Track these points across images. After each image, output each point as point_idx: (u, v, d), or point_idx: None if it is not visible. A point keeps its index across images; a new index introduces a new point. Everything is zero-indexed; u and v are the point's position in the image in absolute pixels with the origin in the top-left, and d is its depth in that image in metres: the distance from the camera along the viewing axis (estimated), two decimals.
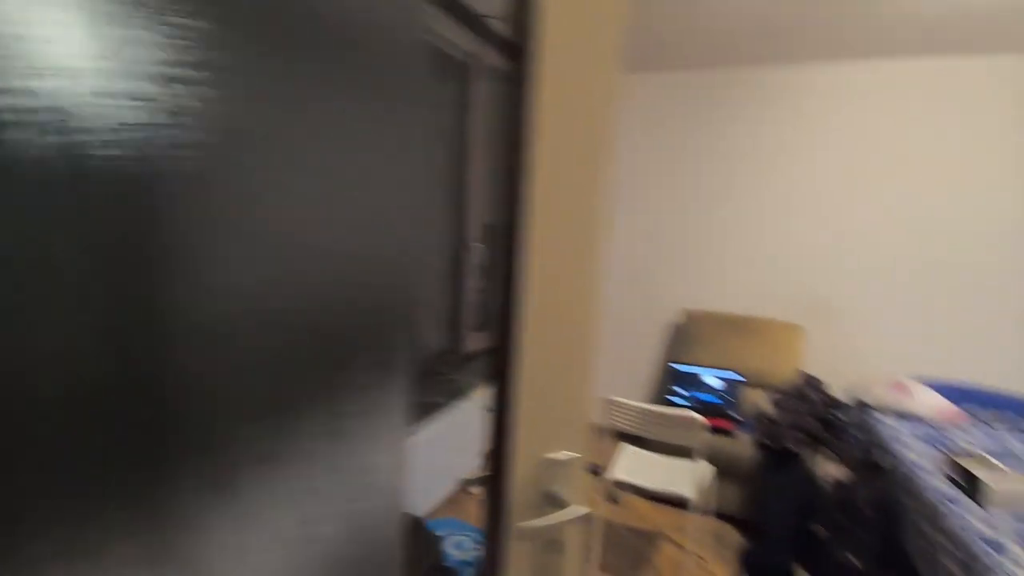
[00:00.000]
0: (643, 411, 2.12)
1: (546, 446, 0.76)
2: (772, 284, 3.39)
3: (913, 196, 3.09)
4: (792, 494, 2.44)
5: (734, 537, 2.57)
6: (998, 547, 1.56)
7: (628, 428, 2.20)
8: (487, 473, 0.74)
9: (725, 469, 2.61)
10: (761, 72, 3.31)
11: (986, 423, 2.62)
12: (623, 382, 3.78)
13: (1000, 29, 2.58)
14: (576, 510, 0.73)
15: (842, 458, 2.65)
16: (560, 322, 0.74)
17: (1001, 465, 1.94)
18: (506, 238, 0.68)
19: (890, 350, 3.17)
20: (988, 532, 1.63)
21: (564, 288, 0.73)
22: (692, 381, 3.11)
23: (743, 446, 2.63)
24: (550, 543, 0.78)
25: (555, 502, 0.75)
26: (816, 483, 2.50)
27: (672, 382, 3.16)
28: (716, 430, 2.72)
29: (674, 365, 3.20)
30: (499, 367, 0.70)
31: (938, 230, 3.06)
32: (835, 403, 2.79)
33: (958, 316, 3.05)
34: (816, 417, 2.62)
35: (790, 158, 3.30)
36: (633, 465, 2.32)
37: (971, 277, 3.02)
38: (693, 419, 2.02)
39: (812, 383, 2.87)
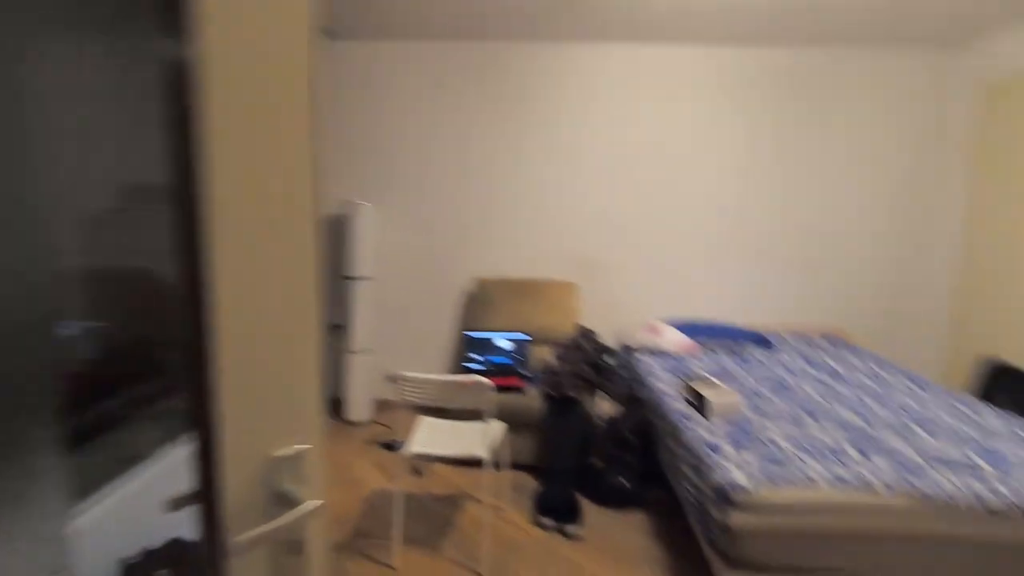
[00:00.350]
0: (431, 382, 2.15)
1: (272, 443, 0.69)
2: (550, 248, 3.69)
3: (657, 169, 3.60)
4: (573, 434, 2.72)
5: (530, 483, 2.80)
6: (716, 448, 1.93)
7: (422, 400, 2.21)
8: (196, 487, 0.64)
9: (518, 423, 2.81)
10: (540, 48, 3.50)
11: (712, 350, 3.23)
12: (427, 354, 3.81)
13: (717, 24, 3.09)
14: (307, 506, 0.68)
15: (612, 396, 3.04)
16: (266, 310, 0.66)
17: (720, 383, 2.40)
18: (186, 217, 0.58)
19: (647, 297, 3.70)
20: (709, 438, 2.02)
21: (264, 270, 0.65)
22: (485, 346, 3.25)
23: (532, 399, 2.85)
24: (289, 544, 0.72)
25: (287, 501, 0.69)
26: (592, 422, 2.83)
27: (468, 349, 3.27)
28: (509, 388, 2.90)
29: (468, 333, 3.31)
30: (192, 365, 0.60)
31: (674, 198, 3.63)
32: (605, 349, 3.18)
33: (692, 266, 3.68)
34: (590, 363, 2.95)
35: (564, 133, 3.59)
36: (430, 436, 2.35)
37: (700, 235, 3.65)
38: (478, 383, 2.10)
39: (586, 334, 3.22)
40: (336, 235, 3.60)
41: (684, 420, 2.21)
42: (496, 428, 2.35)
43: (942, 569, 1.70)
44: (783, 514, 1.66)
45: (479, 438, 2.24)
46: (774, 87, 3.48)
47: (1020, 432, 2.05)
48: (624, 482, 2.60)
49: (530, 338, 3.26)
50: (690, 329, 3.31)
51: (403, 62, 3.58)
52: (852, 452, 1.86)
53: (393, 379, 2.20)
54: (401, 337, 3.79)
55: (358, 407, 3.54)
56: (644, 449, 2.64)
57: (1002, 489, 1.64)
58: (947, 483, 1.68)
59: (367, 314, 3.56)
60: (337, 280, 3.59)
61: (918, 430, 2.07)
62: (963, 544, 1.67)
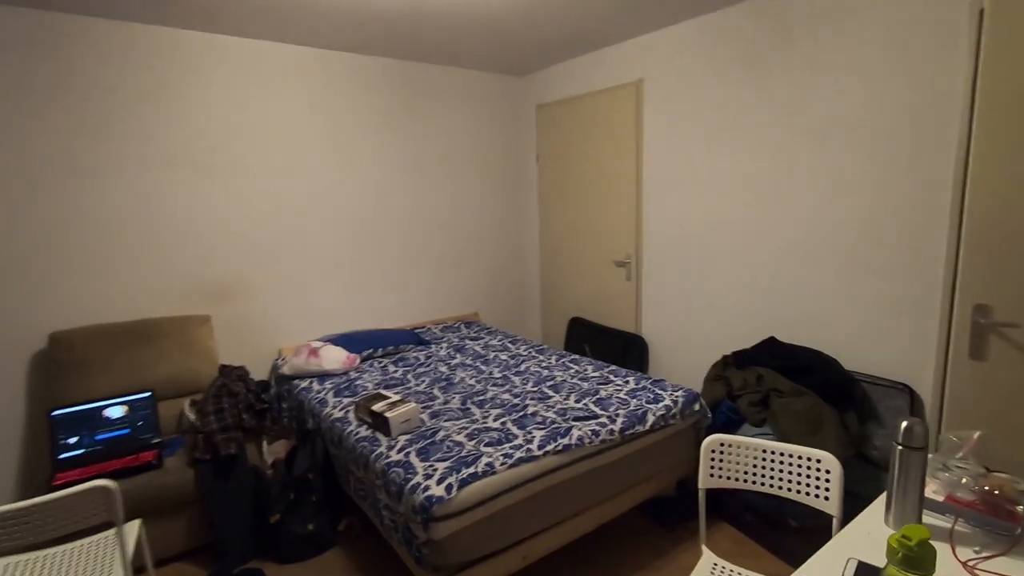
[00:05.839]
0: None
1: None
2: (164, 277, 2.97)
3: (281, 177, 3.29)
4: (242, 497, 2.31)
5: (194, 573, 2.25)
6: (407, 467, 1.92)
7: None
8: None
9: (158, 508, 2.21)
10: (114, 28, 2.65)
11: (375, 359, 3.23)
12: None
13: (336, 28, 2.95)
14: None
15: (280, 437, 2.71)
16: None
17: (393, 395, 2.40)
18: None
19: (289, 318, 3.39)
20: (397, 457, 1.99)
21: None
22: (87, 422, 2.40)
23: (175, 472, 2.27)
24: None
25: None
26: (261, 475, 2.46)
27: (60, 434, 2.35)
28: (134, 469, 2.23)
29: (58, 412, 2.38)
30: None
31: (304, 208, 3.41)
32: (260, 386, 2.79)
33: (331, 277, 3.56)
34: (246, 408, 2.54)
35: (163, 136, 2.87)
36: None
37: (337, 244, 3.55)
38: (88, 493, 1.51)
39: (233, 374, 2.75)
40: None
41: (367, 445, 2.13)
42: (128, 533, 1.78)
43: (580, 498, 2.13)
44: (477, 509, 1.79)
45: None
46: (391, 96, 3.63)
47: (608, 375, 2.75)
48: (309, 528, 2.36)
49: (151, 394, 2.57)
50: (348, 342, 3.22)
51: None
52: (516, 430, 2.14)
53: None
54: None
55: None
56: (326, 482, 2.45)
57: (614, 427, 2.17)
58: (579, 432, 2.11)
59: None
60: None
61: (550, 393, 2.54)
62: (592, 474, 2.13)
